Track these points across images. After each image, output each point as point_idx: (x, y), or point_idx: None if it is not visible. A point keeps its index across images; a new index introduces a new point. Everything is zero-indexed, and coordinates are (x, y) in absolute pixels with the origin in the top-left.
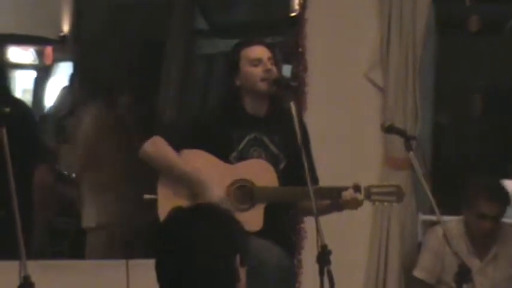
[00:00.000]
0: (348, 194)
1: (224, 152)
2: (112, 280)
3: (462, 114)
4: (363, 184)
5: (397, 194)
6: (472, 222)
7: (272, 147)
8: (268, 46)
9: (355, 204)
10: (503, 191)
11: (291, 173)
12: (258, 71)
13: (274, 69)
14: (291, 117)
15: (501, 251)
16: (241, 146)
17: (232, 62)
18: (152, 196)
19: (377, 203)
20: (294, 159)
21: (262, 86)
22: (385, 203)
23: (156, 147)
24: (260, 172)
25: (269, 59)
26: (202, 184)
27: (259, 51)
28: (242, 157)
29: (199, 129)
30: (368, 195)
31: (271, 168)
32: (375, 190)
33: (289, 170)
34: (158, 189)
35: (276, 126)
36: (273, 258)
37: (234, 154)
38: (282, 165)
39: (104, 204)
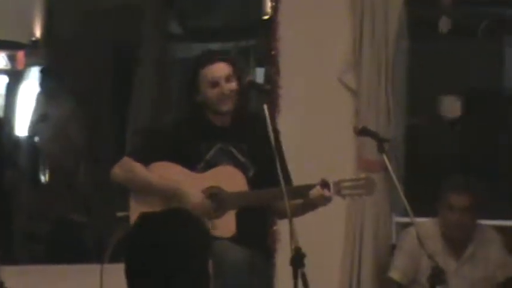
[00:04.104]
0: (315, 191)
1: (191, 164)
2: (86, 285)
3: (436, 116)
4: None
5: (367, 186)
6: (444, 216)
7: (240, 156)
8: (228, 60)
9: (323, 200)
10: (471, 184)
11: (262, 180)
12: (215, 93)
13: (233, 85)
14: (259, 124)
15: (478, 252)
16: (207, 158)
17: (192, 80)
18: (125, 213)
19: (347, 197)
20: (265, 166)
21: (222, 107)
22: (356, 197)
23: (125, 168)
24: (229, 178)
25: (228, 76)
26: (180, 192)
27: (216, 71)
28: (209, 167)
29: (166, 143)
30: (338, 190)
31: (239, 174)
32: (344, 184)
33: (259, 177)
34: (130, 205)
35: (243, 135)
36: (228, 255)
37: (202, 165)
38: (251, 173)
39: None
